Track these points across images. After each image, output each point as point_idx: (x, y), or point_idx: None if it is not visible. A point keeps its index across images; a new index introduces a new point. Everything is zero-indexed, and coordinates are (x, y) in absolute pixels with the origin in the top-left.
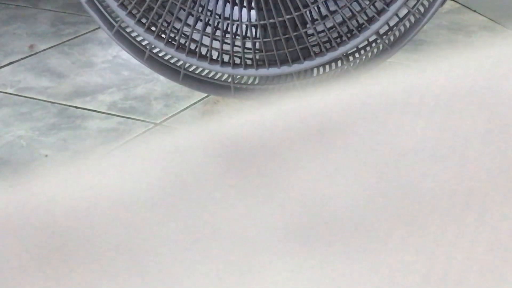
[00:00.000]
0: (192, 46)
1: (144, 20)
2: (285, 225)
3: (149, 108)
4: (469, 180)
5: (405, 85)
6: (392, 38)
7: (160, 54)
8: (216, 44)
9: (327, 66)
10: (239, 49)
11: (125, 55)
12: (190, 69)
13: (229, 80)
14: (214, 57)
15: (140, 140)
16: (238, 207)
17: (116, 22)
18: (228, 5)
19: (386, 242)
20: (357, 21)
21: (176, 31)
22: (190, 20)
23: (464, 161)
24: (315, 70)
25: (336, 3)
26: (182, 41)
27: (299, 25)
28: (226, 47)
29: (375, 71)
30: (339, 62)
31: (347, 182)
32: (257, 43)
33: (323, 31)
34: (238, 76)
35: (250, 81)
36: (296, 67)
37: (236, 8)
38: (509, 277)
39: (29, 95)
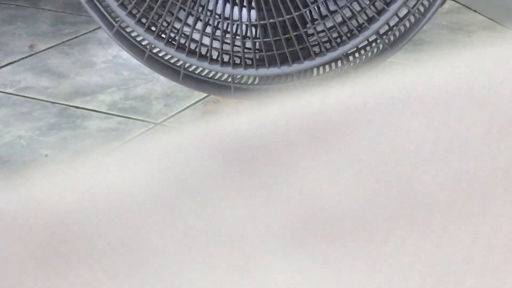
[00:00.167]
0: (192, 46)
1: (144, 20)
2: (285, 225)
3: (149, 108)
4: (469, 180)
5: (405, 85)
6: (392, 38)
7: (160, 54)
8: (216, 44)
9: (327, 66)
10: (239, 49)
11: (125, 55)
12: (190, 69)
13: (229, 80)
14: (214, 57)
15: (140, 140)
16: (238, 207)
17: (116, 22)
18: (228, 5)
19: (386, 242)
20: (357, 21)
21: (176, 31)
22: (190, 20)
23: (464, 161)
24: (315, 70)
25: (336, 3)
26: (182, 41)
27: (299, 25)
28: (226, 47)
29: (375, 71)
30: (339, 62)
31: (347, 182)
32: (257, 43)
33: (323, 31)
34: (238, 76)
35: (250, 81)
36: (296, 67)
37: (236, 8)
38: (509, 277)
39: (29, 95)
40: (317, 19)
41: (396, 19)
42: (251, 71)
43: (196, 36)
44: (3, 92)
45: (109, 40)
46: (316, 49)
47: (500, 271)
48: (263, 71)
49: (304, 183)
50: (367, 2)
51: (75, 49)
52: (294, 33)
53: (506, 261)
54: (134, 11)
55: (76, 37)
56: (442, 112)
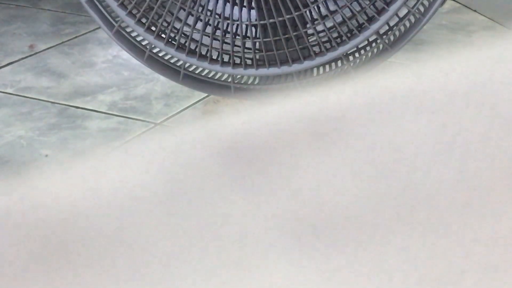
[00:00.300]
0: (192, 46)
1: (144, 20)
2: (285, 225)
3: (149, 108)
4: (469, 179)
5: (405, 85)
6: (392, 38)
7: (160, 54)
8: (216, 44)
9: (327, 66)
10: (239, 49)
11: (125, 55)
12: (190, 69)
13: (229, 80)
14: (214, 57)
15: (140, 140)
16: (238, 207)
17: (116, 22)
18: (228, 5)
19: (386, 242)
20: (357, 21)
21: (176, 31)
22: (190, 20)
23: (464, 161)
24: (315, 70)
25: (336, 3)
26: (182, 41)
27: (299, 25)
28: (226, 47)
29: (375, 71)
30: (339, 62)
31: (347, 181)
32: (257, 43)
33: (323, 31)
34: (238, 76)
35: (250, 81)
36: (296, 67)
37: (236, 8)
38: (509, 277)
39: (29, 95)
40: (317, 19)
41: (396, 19)
42: (251, 71)
43: (196, 36)
44: (3, 92)
45: (109, 40)
46: (316, 49)
47: (500, 271)
48: (263, 71)
49: (304, 183)
50: (367, 2)
51: (75, 49)
52: (294, 33)
53: (506, 261)
54: (134, 11)
55: (76, 37)
56: (442, 111)
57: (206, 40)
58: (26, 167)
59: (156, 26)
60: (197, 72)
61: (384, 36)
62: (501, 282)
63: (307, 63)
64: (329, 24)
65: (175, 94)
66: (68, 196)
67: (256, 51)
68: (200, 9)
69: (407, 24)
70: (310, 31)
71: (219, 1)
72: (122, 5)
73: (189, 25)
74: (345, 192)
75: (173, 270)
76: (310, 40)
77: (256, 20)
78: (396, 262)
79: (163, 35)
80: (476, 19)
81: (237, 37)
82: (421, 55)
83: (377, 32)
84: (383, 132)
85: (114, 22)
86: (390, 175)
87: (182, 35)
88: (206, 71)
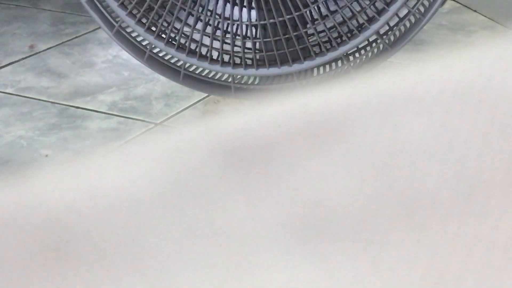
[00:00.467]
0: (192, 46)
1: (144, 20)
2: (285, 224)
3: (149, 108)
4: (469, 179)
5: (405, 85)
6: (392, 38)
7: (161, 54)
8: (217, 44)
9: (327, 66)
10: (240, 49)
11: (125, 55)
12: (191, 69)
13: (230, 80)
14: (215, 57)
15: (140, 140)
16: (238, 206)
17: (116, 22)
18: (228, 5)
19: (386, 241)
20: (357, 21)
21: (176, 31)
22: (190, 20)
23: (464, 161)
24: (315, 70)
25: (336, 3)
26: (182, 41)
27: (299, 25)
28: (227, 47)
29: (375, 71)
30: (339, 62)
31: (347, 181)
32: (258, 43)
33: (323, 31)
34: (239, 76)
35: (250, 81)
36: (296, 67)
37: (236, 8)
38: (509, 277)
39: (30, 95)
40: (317, 19)
41: (396, 19)
42: (252, 71)
43: (196, 36)
44: (4, 92)
45: (109, 40)
46: (316, 49)
47: (500, 271)
48: (263, 71)
49: (304, 182)
50: (367, 2)
51: (75, 49)
52: (294, 33)
53: (506, 261)
54: (135, 11)
55: (76, 37)
56: (442, 111)
57: (206, 40)
58: (26, 167)
59: (156, 26)
60: (197, 72)
61: (384, 36)
62: (501, 282)
63: (307, 63)
64: (329, 24)
65: (175, 94)
66: (68, 196)
67: (256, 51)
68: (200, 9)
69: (407, 24)
70: (310, 31)
71: (219, 1)
72: (123, 5)
73: (189, 25)
74: (345, 192)
75: (173, 269)
76: (310, 40)
77: (256, 20)
78: (396, 261)
79: (163, 35)
80: (476, 19)
81: (237, 37)
82: (421, 55)
83: (377, 32)
84: (383, 132)
85: (114, 22)
86: (390, 175)
87: (182, 35)
88: (206, 71)
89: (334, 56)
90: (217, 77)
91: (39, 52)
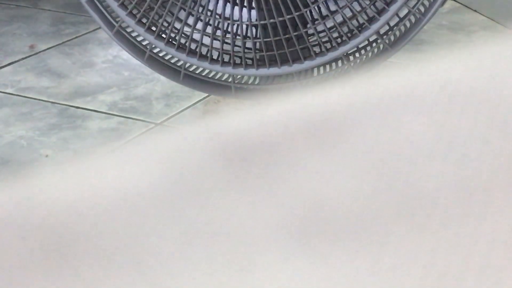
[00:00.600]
0: (193, 46)
1: (144, 20)
2: (285, 224)
3: (149, 108)
4: (469, 179)
5: (405, 85)
6: (392, 38)
7: (161, 54)
8: (217, 44)
9: (327, 66)
10: (240, 49)
11: (126, 55)
12: (191, 69)
13: (230, 80)
14: (215, 57)
15: (141, 140)
16: (239, 206)
17: (117, 22)
18: (229, 5)
19: (386, 241)
20: (357, 21)
21: (176, 31)
22: (191, 20)
23: (465, 161)
24: (315, 70)
25: (336, 3)
26: (183, 41)
27: (299, 25)
28: (227, 47)
29: (375, 71)
30: (339, 62)
31: (347, 181)
32: (258, 43)
33: (323, 31)
34: (239, 76)
35: (250, 81)
36: (296, 67)
37: (236, 8)
38: (509, 277)
39: (30, 95)
40: (317, 19)
41: (396, 19)
42: (252, 71)
43: (197, 36)
44: (4, 92)
45: (110, 40)
46: (317, 49)
47: (500, 271)
48: (263, 71)
49: (304, 182)
50: (368, 2)
51: (75, 49)
52: (295, 33)
53: (506, 261)
54: (135, 11)
55: (76, 37)
56: (442, 111)
57: (207, 40)
58: (26, 167)
59: (156, 26)
60: (197, 72)
61: (385, 36)
62: (501, 282)
63: (307, 63)
64: (329, 24)
65: (176, 94)
66: (68, 196)
67: (257, 51)
68: (201, 9)
69: (408, 24)
70: (310, 31)
71: (219, 1)
72: (123, 5)
73: (189, 25)
74: (345, 192)
75: (173, 269)
76: (310, 40)
77: (256, 20)
78: (396, 261)
79: (163, 35)
80: (476, 19)
81: (238, 37)
82: (421, 55)
83: (377, 32)
84: (383, 132)
85: (114, 22)
86: (390, 175)
87: (183, 35)
88: (207, 71)
89: (334, 56)
90: (217, 77)
91: (39, 52)
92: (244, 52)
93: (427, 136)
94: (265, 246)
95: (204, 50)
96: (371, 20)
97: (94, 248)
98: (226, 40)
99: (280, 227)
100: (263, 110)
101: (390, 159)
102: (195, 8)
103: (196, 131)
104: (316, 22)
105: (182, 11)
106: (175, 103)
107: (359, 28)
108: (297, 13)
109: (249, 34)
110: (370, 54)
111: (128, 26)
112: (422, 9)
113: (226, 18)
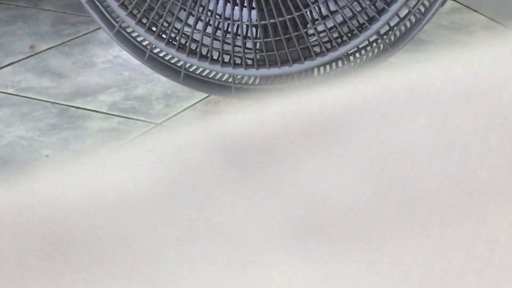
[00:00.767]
0: (193, 46)
1: (144, 20)
2: (285, 224)
3: (149, 108)
4: (469, 179)
5: (405, 85)
6: (392, 38)
7: (161, 54)
8: (217, 44)
9: (327, 66)
10: (240, 49)
11: (126, 55)
12: (191, 69)
13: (230, 80)
14: (215, 57)
15: (141, 140)
16: (239, 206)
17: (117, 22)
18: (229, 5)
19: (386, 241)
20: (357, 21)
21: (176, 31)
22: (191, 20)
23: (465, 161)
24: (315, 70)
25: (336, 3)
26: (183, 41)
27: (299, 25)
28: (227, 47)
29: (375, 71)
30: (339, 62)
31: (347, 181)
32: (258, 43)
33: (323, 31)
34: (239, 76)
35: (250, 81)
36: (296, 67)
37: (236, 8)
38: (509, 276)
39: (30, 95)
40: (317, 19)
41: (396, 19)
42: (252, 71)
43: (197, 36)
44: (4, 93)
45: (110, 41)
46: (317, 49)
47: (500, 271)
48: (263, 71)
49: (304, 182)
50: (368, 2)
51: (75, 49)
52: (295, 33)
53: (506, 261)
54: (135, 12)
55: (76, 37)
56: (442, 111)
57: (207, 41)
58: (26, 167)
59: (156, 27)
60: (197, 72)
61: (385, 36)
62: (501, 282)
63: (307, 63)
64: (329, 24)
65: (176, 94)
66: (68, 196)
67: (257, 51)
68: (201, 9)
69: (408, 24)
70: (310, 31)
71: (219, 2)
72: (123, 6)
73: (189, 26)
74: (345, 192)
75: (173, 268)
76: (310, 40)
77: (256, 20)
78: (396, 261)
79: (163, 36)
80: (476, 19)
81: (238, 37)
82: (421, 55)
83: (377, 32)
84: (383, 132)
85: (114, 23)
86: (390, 175)
87: (183, 35)
88: (207, 71)
89: (334, 56)
90: (217, 77)
91: (40, 52)
92: (244, 52)
93: (427, 136)
94: (265, 246)
95: (204, 50)
96: (371, 20)
97: (94, 248)
98: (226, 40)
99: (280, 227)
100: (263, 110)
101: (390, 159)
102: (195, 8)
103: (196, 131)
104: (316, 22)
105: (182, 11)
106: (175, 103)
107: (359, 28)
108: (297, 13)
109: (249, 34)
110: (370, 54)
111: (128, 26)
112: (422, 9)
113: (226, 18)
